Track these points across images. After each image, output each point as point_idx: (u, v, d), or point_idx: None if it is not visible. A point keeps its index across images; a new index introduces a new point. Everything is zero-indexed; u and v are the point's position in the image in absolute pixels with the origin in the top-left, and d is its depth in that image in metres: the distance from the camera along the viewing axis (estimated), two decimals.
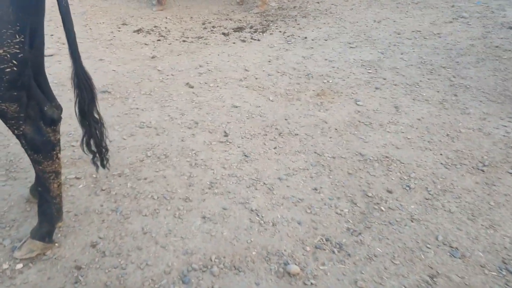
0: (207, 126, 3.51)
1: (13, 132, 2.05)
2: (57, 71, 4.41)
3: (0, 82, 1.85)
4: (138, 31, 5.69)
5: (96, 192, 2.74)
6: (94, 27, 5.81)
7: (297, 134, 3.43)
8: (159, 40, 5.40)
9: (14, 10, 1.78)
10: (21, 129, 2.03)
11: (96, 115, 2.20)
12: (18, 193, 2.70)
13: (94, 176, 2.88)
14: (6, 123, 2.01)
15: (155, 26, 5.90)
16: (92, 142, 2.23)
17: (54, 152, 2.16)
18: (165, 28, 5.86)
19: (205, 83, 4.26)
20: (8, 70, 1.84)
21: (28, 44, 1.92)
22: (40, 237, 2.25)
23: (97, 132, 2.22)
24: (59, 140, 2.19)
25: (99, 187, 2.77)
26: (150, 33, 5.63)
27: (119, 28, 5.82)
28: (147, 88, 4.13)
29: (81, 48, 5.14)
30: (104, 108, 3.74)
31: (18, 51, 1.84)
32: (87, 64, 4.59)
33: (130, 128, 3.47)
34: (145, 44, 5.26)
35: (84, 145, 2.23)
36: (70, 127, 3.42)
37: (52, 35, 5.43)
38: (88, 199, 2.67)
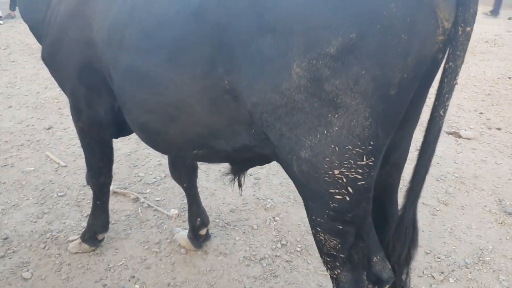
0: None
1: (326, 269, 1.49)
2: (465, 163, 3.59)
3: (324, 207, 1.32)
4: None
5: None
6: None
7: None
8: None
9: (373, 125, 1.18)
10: (336, 272, 1.44)
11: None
12: None
13: None
14: (320, 256, 1.47)
15: None
16: None
17: None
18: None
19: None
20: (338, 197, 1.28)
21: (379, 168, 1.30)
22: None
23: None
24: None
25: None
26: None
27: None
28: None
29: None
30: None
31: (359, 176, 1.24)
32: None
33: None
34: None
35: None
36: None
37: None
38: None
